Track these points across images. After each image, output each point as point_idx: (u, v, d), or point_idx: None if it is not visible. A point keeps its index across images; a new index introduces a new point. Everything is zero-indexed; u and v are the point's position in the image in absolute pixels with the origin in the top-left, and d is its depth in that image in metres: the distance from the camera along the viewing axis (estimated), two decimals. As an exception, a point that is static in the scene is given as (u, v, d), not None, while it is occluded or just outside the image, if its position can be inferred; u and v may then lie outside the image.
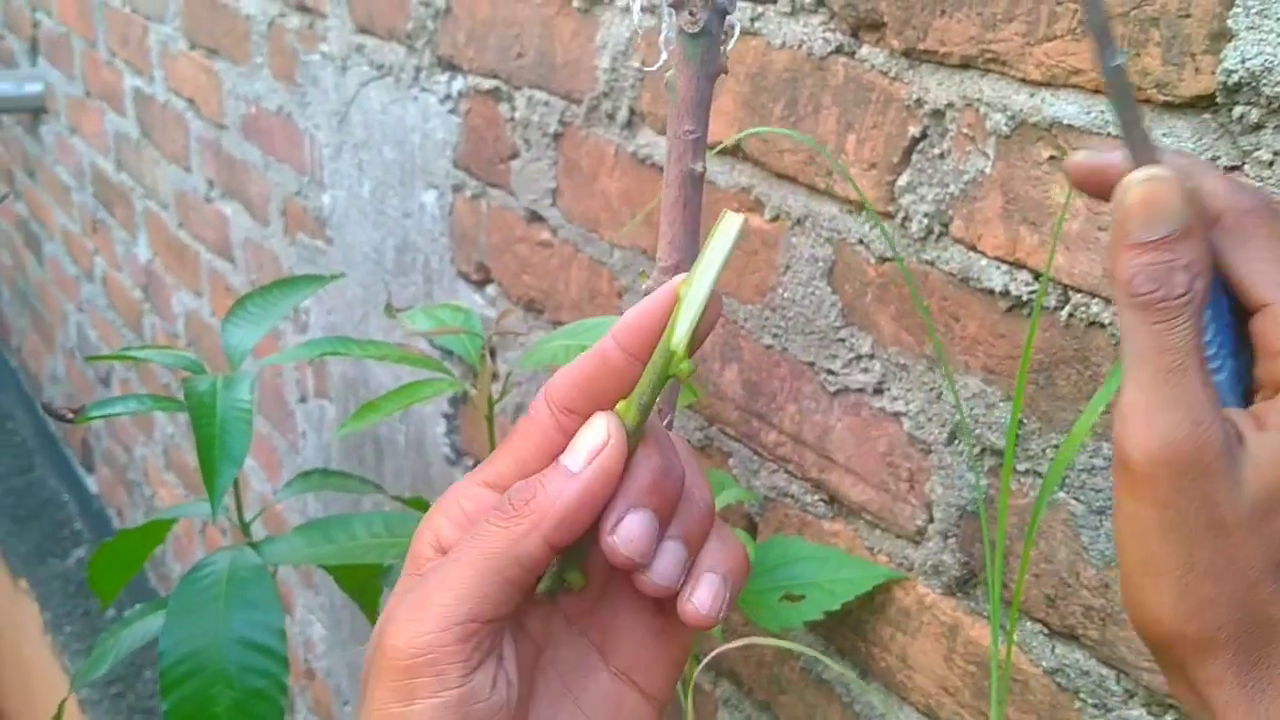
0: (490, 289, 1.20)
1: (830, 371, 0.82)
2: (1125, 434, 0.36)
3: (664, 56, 0.49)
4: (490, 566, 0.34)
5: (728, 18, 0.49)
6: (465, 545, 0.34)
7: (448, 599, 0.33)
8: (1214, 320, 0.38)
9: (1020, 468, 0.70)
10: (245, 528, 0.96)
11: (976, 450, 0.73)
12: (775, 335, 0.86)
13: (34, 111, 2.61)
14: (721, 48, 0.49)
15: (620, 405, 0.36)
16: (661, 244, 0.53)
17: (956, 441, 0.74)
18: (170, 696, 0.82)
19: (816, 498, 0.85)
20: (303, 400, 1.68)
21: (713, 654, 0.81)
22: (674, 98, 0.50)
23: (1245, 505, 0.35)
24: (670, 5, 0.48)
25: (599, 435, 0.35)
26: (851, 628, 0.83)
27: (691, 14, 0.48)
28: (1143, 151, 0.38)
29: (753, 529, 0.91)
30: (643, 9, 0.92)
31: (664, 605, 0.39)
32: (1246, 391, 0.39)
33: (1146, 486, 0.36)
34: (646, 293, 0.55)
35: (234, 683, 0.81)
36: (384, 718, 0.33)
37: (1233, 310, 0.39)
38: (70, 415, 0.85)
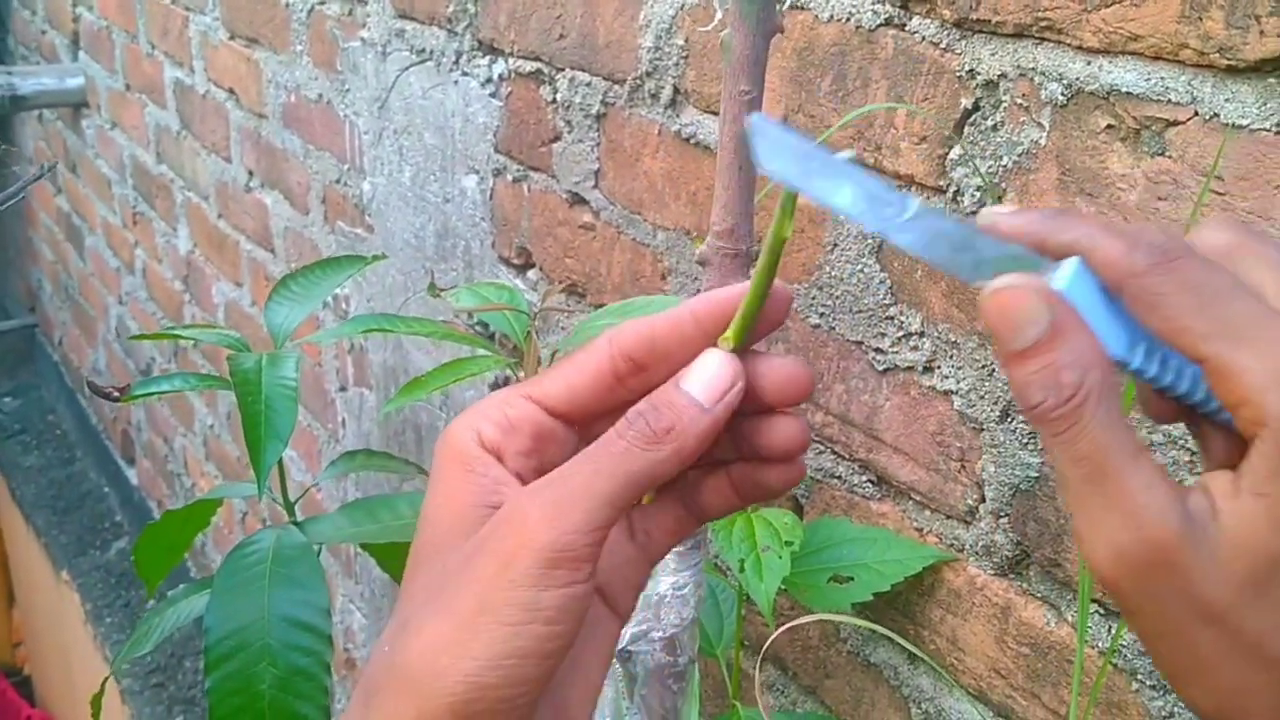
0: (532, 273, 1.20)
1: (879, 350, 0.81)
2: (1084, 554, 0.34)
3: (718, 16, 0.48)
4: (632, 481, 0.37)
5: (784, -24, 0.48)
6: (603, 460, 0.37)
7: (594, 505, 0.36)
8: (1172, 356, 0.35)
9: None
10: (290, 507, 0.96)
11: (1030, 428, 0.71)
12: (822, 314, 0.85)
13: (75, 106, 2.63)
14: (777, 5, 0.48)
15: (732, 330, 0.40)
16: (716, 207, 0.52)
17: (1009, 419, 0.73)
18: (214, 674, 0.81)
19: (864, 478, 0.84)
20: (343, 389, 1.68)
21: (770, 640, 0.80)
22: (728, 58, 0.49)
23: (1232, 586, 0.32)
24: (726, -39, 0.47)
25: (725, 374, 0.38)
26: (900, 610, 0.82)
27: (747, -29, 0.47)
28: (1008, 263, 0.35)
29: (799, 510, 0.90)
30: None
31: (637, 534, 0.42)
32: None
33: (1122, 599, 0.34)
34: (700, 259, 0.54)
35: (278, 660, 0.81)
36: (513, 598, 0.35)
37: None
38: (116, 393, 0.85)
